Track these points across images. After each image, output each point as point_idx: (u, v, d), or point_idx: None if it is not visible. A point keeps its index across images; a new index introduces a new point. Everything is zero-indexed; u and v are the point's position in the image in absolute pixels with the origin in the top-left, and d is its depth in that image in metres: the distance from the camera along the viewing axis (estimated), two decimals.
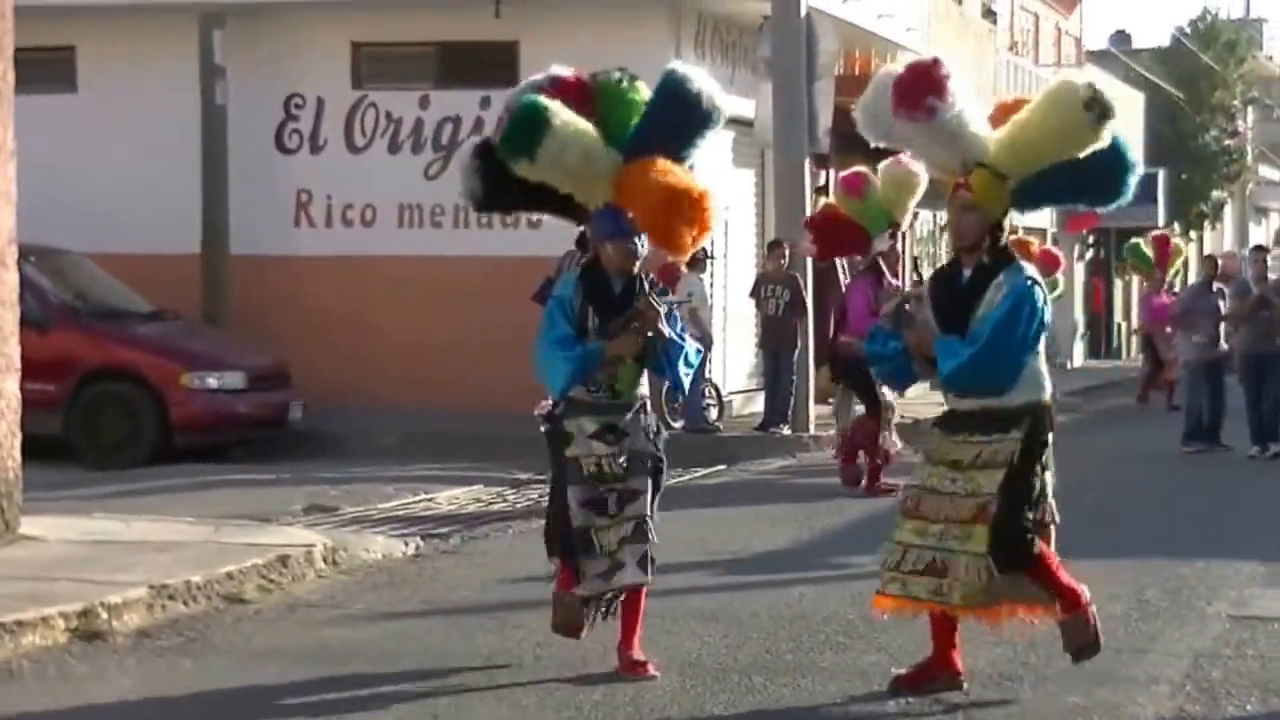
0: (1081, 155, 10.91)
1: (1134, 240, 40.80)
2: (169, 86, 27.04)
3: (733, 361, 29.45)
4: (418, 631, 13.01)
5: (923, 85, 10.67)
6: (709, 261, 26.91)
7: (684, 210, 11.19)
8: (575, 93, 11.47)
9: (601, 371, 11.27)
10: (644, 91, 11.49)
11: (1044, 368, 10.97)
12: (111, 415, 22.59)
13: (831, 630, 12.97)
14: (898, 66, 11.20)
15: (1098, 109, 10.66)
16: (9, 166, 15.56)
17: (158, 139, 27.02)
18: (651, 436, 11.57)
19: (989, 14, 45.56)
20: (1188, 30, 64.60)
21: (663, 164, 11.18)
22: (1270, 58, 77.76)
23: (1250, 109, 68.92)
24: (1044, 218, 50.79)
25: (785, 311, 26.19)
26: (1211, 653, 12.50)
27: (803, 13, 27.23)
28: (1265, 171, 79.43)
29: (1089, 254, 57.09)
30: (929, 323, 11.05)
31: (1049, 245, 31.30)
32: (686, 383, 12.02)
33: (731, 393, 28.56)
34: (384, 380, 26.44)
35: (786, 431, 26.38)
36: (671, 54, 27.28)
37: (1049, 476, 10.97)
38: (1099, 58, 59.20)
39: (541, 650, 12.24)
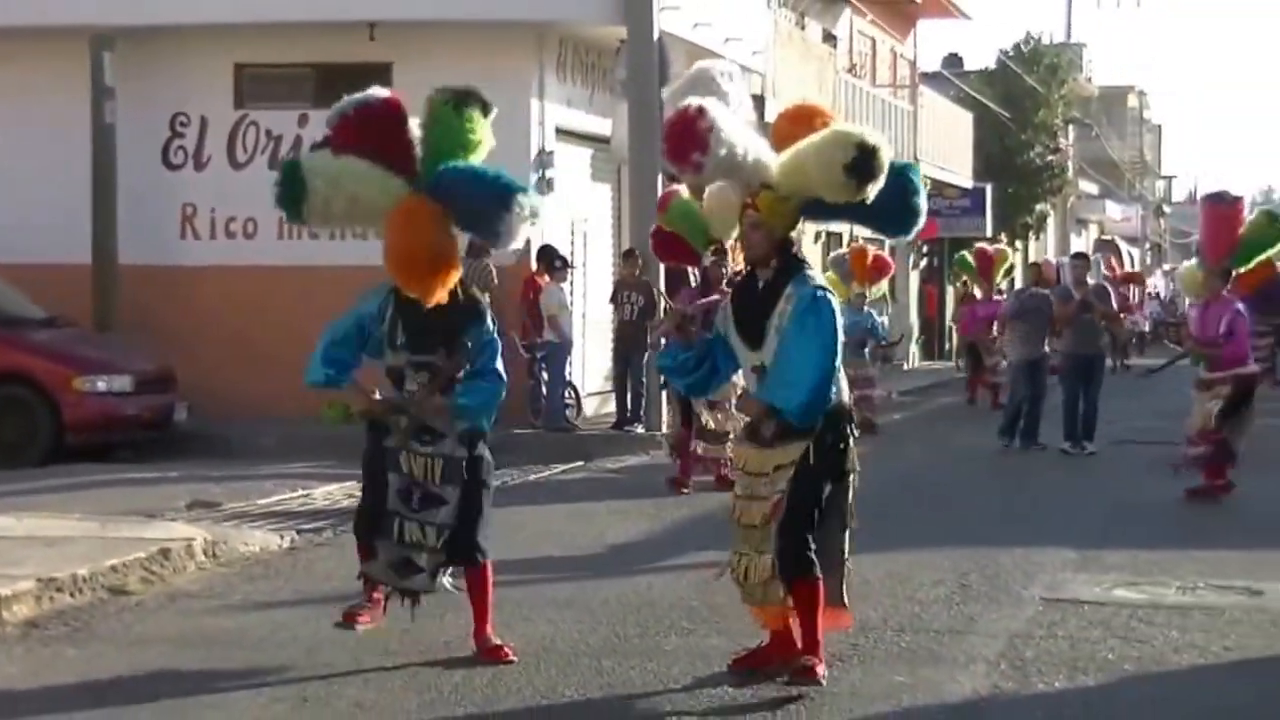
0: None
1: (961, 253, 41.07)
2: (61, 105, 26.84)
3: (591, 364, 29.49)
4: (291, 619, 12.98)
5: (687, 142, 10.47)
6: (569, 271, 26.93)
7: (409, 273, 11.09)
8: (382, 115, 11.38)
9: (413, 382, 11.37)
10: (475, 120, 11.18)
11: (838, 371, 10.66)
12: (7, 418, 22.45)
13: (676, 616, 13.00)
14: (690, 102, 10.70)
15: (857, 176, 10.23)
16: None
17: (51, 155, 26.85)
18: (466, 442, 11.41)
19: (829, 38, 45.78)
20: (1012, 53, 65.06)
21: (412, 213, 10.99)
22: (1089, 80, 78.54)
23: (1071, 127, 69.63)
24: None
25: (639, 316, 26.22)
26: (1025, 633, 12.64)
27: (655, 36, 27.32)
28: (1084, 185, 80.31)
29: (924, 262, 57.44)
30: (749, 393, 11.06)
31: (883, 252, 31.40)
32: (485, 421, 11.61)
33: (590, 394, 28.59)
34: (264, 383, 26.31)
35: (639, 430, 26.46)
36: (535, 76, 27.45)
37: (851, 480, 10.92)
38: (931, 79, 59.58)
39: (406, 636, 12.25)
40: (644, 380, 26.60)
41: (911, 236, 11.45)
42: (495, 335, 11.61)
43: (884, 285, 32.37)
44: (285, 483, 20.13)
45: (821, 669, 10.51)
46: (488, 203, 10.94)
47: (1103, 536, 17.27)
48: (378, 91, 11.64)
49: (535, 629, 12.45)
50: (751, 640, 11.40)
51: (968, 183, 56.74)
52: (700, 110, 10.42)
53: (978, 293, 38.82)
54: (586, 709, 10.36)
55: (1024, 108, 62.85)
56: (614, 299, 27.13)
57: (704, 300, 15.83)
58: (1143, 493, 19.97)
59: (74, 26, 26.40)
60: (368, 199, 11.06)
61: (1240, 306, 19.50)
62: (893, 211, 10.89)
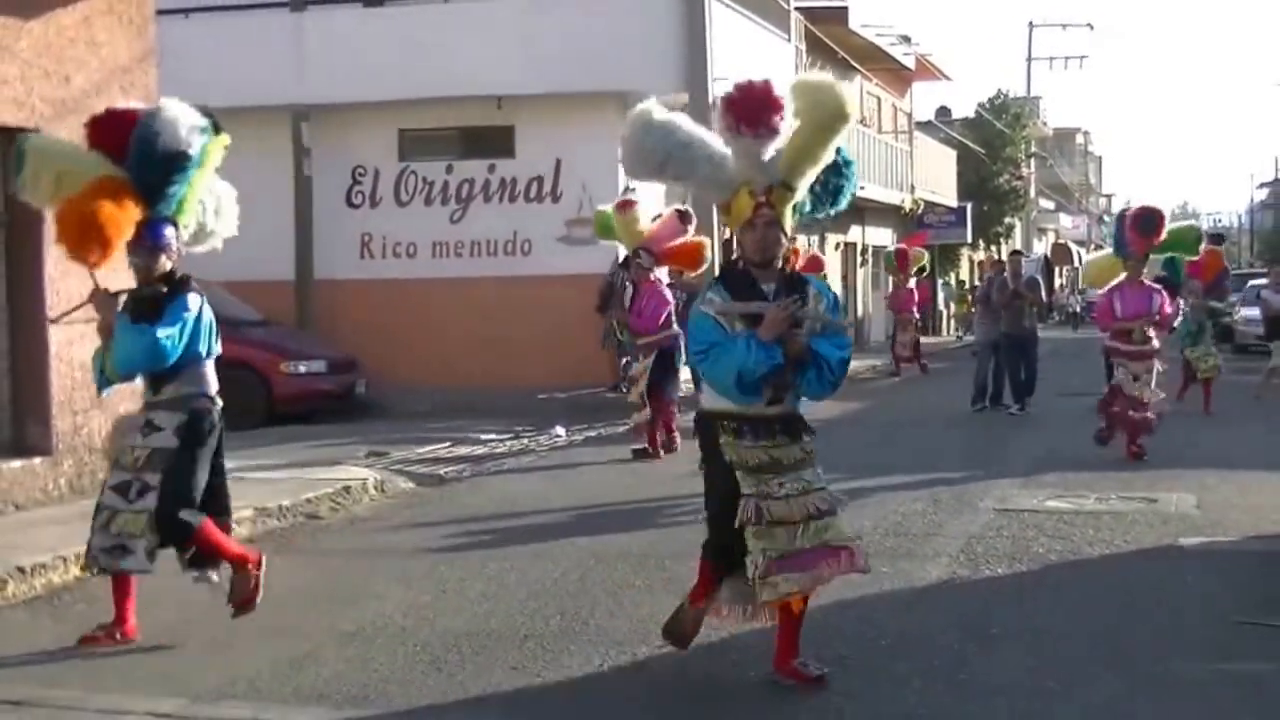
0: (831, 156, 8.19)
1: (886, 250, 40.62)
2: (273, 162, 27.05)
3: None
4: (436, 535, 13.17)
5: (770, 105, 7.88)
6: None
7: (63, 230, 8.91)
8: (118, 121, 9.21)
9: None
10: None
11: None
12: (234, 393, 22.39)
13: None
14: (652, 105, 8.46)
15: (846, 92, 8.01)
16: None
17: (264, 200, 26.59)
18: (180, 434, 9.12)
19: None
20: (987, 105, 64.88)
21: (93, 182, 8.92)
22: (1044, 123, 78.03)
23: (1031, 160, 69.28)
24: (886, 235, 51.00)
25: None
26: (979, 535, 12.73)
27: (710, 100, 27.36)
28: (1043, 203, 79.98)
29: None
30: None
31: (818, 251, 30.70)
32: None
33: None
34: (421, 366, 26.61)
35: None
36: (619, 136, 27.48)
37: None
38: (924, 126, 59.31)
39: (522, 544, 12.49)
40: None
41: (844, 206, 8.75)
42: (183, 308, 9.12)
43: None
44: (436, 437, 20.29)
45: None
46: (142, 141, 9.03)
47: (1041, 464, 17.24)
48: (118, 106, 9.81)
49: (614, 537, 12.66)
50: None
51: (953, 203, 56.51)
52: (768, 82, 7.98)
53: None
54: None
55: (995, 146, 62.68)
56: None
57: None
58: (1073, 435, 19.65)
59: (281, 105, 26.76)
60: (72, 177, 8.94)
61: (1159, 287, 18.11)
62: (838, 188, 8.46)
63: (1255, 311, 38.97)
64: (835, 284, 43.40)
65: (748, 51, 30.90)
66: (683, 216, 19.24)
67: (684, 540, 12.58)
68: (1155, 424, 17.70)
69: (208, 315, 9.31)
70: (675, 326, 18.77)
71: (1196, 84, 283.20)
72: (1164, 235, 18.00)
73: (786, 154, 8.05)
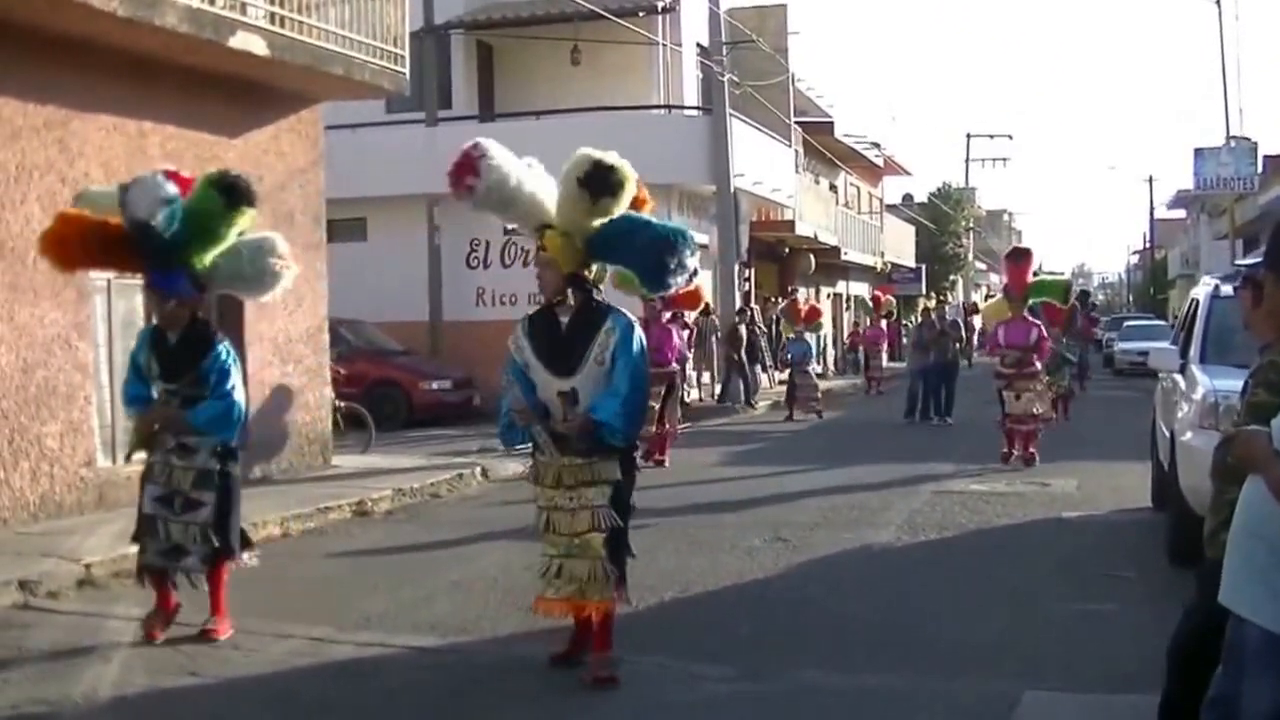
0: (604, 224, 6.59)
1: (859, 296, 39.85)
2: (412, 235, 27.21)
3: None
4: (524, 510, 12.75)
5: (463, 169, 6.64)
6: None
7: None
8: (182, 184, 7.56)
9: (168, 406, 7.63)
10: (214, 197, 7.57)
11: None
12: (384, 404, 22.60)
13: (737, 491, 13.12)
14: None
15: (589, 188, 6.43)
16: (323, 283, 15.85)
17: (407, 263, 27.23)
18: (219, 456, 7.65)
19: (832, 188, 45.48)
20: (936, 193, 64.67)
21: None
22: (979, 206, 77.08)
23: (969, 233, 68.70)
24: (864, 288, 50.75)
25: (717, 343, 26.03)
26: (919, 510, 12.70)
27: (731, 190, 27.49)
28: (977, 265, 79.26)
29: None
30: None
31: (815, 302, 30.00)
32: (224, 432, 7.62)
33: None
34: None
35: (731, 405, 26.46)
36: (667, 212, 27.54)
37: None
38: (891, 208, 59.10)
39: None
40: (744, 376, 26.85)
41: (663, 293, 7.69)
42: (226, 361, 7.63)
43: (821, 325, 29.68)
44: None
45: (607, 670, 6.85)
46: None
47: (966, 458, 17.15)
48: (169, 166, 8.17)
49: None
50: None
51: (912, 264, 56.25)
52: (477, 144, 6.67)
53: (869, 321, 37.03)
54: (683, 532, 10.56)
55: (943, 223, 62.37)
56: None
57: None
58: (994, 437, 19.50)
59: (419, 194, 26.81)
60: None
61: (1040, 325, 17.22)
62: (650, 266, 6.56)
63: (1132, 344, 38.73)
64: (828, 325, 43.16)
65: (759, 154, 30.99)
66: None
67: (696, 518, 12.69)
68: (1040, 430, 16.83)
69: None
70: (675, 363, 18.04)
71: (1091, 177, 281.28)
72: (1033, 275, 17.44)
73: (557, 202, 6.66)
